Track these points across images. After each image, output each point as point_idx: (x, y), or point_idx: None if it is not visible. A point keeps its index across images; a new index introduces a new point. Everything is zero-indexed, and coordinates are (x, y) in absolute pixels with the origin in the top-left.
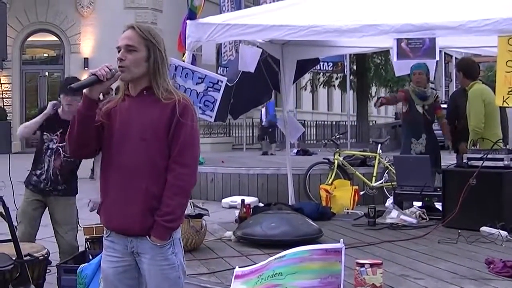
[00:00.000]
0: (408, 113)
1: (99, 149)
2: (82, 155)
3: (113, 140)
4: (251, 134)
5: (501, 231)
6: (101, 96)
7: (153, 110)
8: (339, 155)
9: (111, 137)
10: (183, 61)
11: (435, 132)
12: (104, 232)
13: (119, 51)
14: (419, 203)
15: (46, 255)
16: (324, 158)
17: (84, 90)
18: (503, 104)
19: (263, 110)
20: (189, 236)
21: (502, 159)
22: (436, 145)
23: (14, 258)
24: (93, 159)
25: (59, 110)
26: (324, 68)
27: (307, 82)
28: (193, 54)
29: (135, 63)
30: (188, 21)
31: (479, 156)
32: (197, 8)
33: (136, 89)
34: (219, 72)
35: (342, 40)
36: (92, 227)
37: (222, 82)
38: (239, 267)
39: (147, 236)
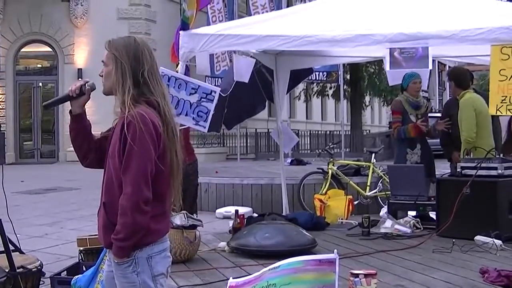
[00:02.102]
0: (401, 123)
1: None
2: (88, 166)
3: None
4: (245, 144)
5: (496, 240)
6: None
7: (116, 127)
8: (333, 165)
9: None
10: (177, 71)
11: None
12: None
13: None
14: (414, 212)
15: (39, 267)
16: (318, 168)
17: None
18: (496, 112)
19: None
20: (182, 247)
21: (495, 168)
22: (431, 154)
23: (7, 270)
24: None
25: None
26: (318, 78)
27: (300, 91)
28: (186, 65)
29: (105, 77)
30: (181, 32)
31: (472, 165)
32: (189, 19)
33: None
34: (208, 82)
35: (336, 49)
36: (86, 238)
37: (215, 92)
38: (233, 278)
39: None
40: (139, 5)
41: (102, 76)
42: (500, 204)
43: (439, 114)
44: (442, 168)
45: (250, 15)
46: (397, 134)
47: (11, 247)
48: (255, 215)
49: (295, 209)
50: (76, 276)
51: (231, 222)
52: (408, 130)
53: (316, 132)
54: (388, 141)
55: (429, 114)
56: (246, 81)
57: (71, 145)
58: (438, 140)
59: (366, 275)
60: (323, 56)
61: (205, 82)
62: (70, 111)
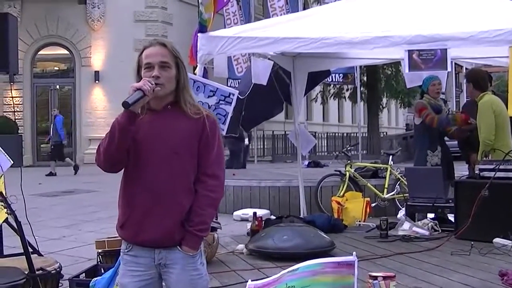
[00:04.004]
0: (423, 125)
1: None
2: (116, 170)
3: (138, 154)
4: (262, 147)
5: None
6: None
7: (183, 124)
8: (351, 167)
9: (137, 152)
10: (195, 74)
11: (447, 143)
12: (124, 247)
13: (147, 67)
14: (433, 215)
15: (58, 269)
16: (335, 170)
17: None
18: None
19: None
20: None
21: None
22: (450, 157)
23: (26, 272)
24: None
25: None
26: (335, 80)
27: (317, 94)
28: (204, 67)
29: (169, 80)
30: (199, 34)
31: (491, 167)
32: (206, 21)
33: (160, 104)
34: (230, 85)
35: (353, 51)
36: (104, 240)
37: (233, 95)
38: (252, 281)
39: (178, 247)
40: (155, 7)
41: (159, 77)
42: None
43: None
44: (460, 170)
45: (268, 17)
46: (439, 123)
47: (30, 249)
48: (273, 217)
49: (312, 212)
50: (95, 278)
51: (249, 225)
52: (455, 118)
53: (333, 134)
54: (405, 143)
55: None
56: (264, 83)
57: (106, 146)
58: (456, 142)
59: (384, 278)
60: (340, 58)
61: (227, 84)
62: (131, 111)
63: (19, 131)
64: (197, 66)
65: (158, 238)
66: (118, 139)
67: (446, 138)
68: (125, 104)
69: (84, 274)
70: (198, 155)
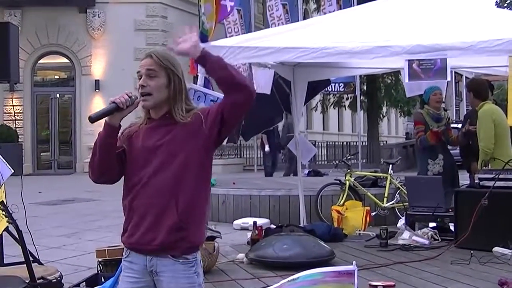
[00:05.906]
0: (424, 133)
1: (121, 174)
2: (106, 182)
3: (137, 162)
4: (262, 155)
5: None
6: (121, 123)
7: (179, 130)
8: (351, 176)
9: (134, 160)
10: (196, 83)
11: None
12: (124, 253)
13: (139, 78)
14: (434, 224)
15: (59, 278)
16: (335, 179)
17: (106, 118)
18: None
19: None
20: (201, 258)
21: None
22: (454, 165)
23: (27, 281)
24: None
25: None
26: (335, 89)
27: (317, 103)
28: (205, 77)
29: (157, 89)
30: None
31: (491, 176)
32: (208, 31)
33: (158, 114)
34: None
35: (353, 61)
36: (105, 249)
37: None
38: None
39: (169, 256)
40: (156, 16)
41: (144, 86)
42: None
43: (455, 125)
44: (461, 179)
45: (268, 26)
46: (420, 143)
47: (30, 258)
48: (273, 226)
49: (312, 221)
50: (96, 287)
51: (249, 234)
52: (427, 138)
53: (333, 143)
54: (405, 152)
55: (451, 125)
56: (268, 92)
57: (91, 157)
58: (458, 151)
59: (384, 287)
60: (340, 68)
61: None
62: (108, 124)
63: (19, 140)
64: (198, 75)
65: (144, 243)
66: (99, 152)
67: (449, 147)
68: (89, 119)
69: (84, 283)
70: (215, 122)
